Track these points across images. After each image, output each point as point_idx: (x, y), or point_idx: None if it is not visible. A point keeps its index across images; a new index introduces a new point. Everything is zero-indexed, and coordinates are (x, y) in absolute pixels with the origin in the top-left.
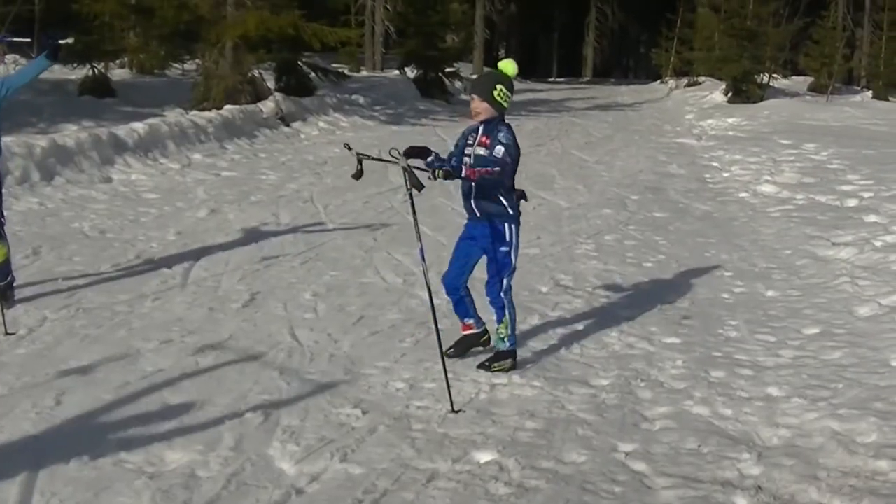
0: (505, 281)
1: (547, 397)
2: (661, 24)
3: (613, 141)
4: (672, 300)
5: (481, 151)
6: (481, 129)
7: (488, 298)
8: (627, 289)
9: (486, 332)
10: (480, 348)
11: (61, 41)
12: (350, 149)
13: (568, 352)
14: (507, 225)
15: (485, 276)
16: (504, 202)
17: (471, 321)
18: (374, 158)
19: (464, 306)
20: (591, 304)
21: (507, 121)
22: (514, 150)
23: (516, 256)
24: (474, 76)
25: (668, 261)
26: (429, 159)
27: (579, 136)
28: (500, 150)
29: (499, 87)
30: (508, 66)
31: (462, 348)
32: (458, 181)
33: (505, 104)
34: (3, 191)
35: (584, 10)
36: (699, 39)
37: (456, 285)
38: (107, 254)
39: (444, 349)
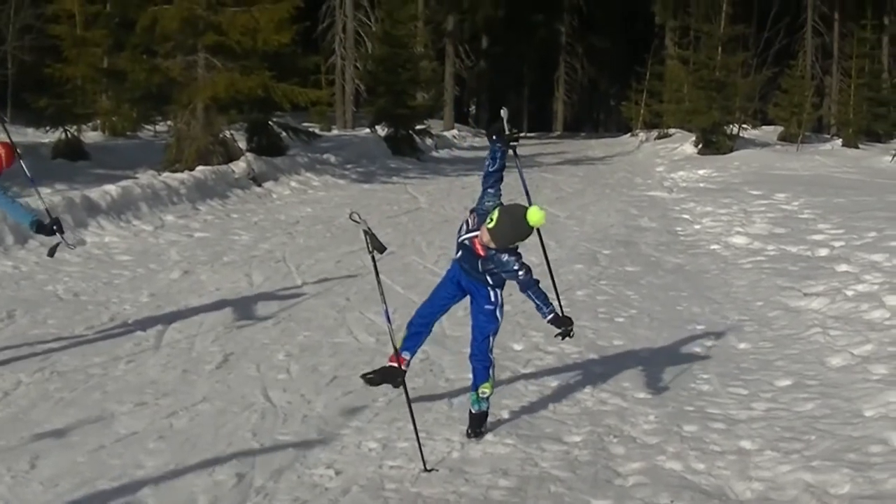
0: (490, 338)
1: (520, 455)
2: (631, 77)
3: (584, 195)
4: (644, 355)
5: (469, 245)
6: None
7: (471, 354)
8: (600, 344)
9: (405, 374)
10: (446, 407)
11: (56, 233)
12: (358, 221)
13: (541, 409)
14: (488, 288)
15: (457, 334)
16: (487, 277)
17: (408, 357)
18: (371, 234)
19: (416, 342)
20: (564, 360)
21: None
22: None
23: (502, 315)
24: (502, 212)
25: (641, 315)
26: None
27: (550, 192)
28: (509, 259)
29: (517, 242)
30: (539, 218)
31: (382, 378)
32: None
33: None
34: None
35: (553, 65)
36: (668, 91)
37: (427, 321)
38: (80, 316)
39: (366, 375)
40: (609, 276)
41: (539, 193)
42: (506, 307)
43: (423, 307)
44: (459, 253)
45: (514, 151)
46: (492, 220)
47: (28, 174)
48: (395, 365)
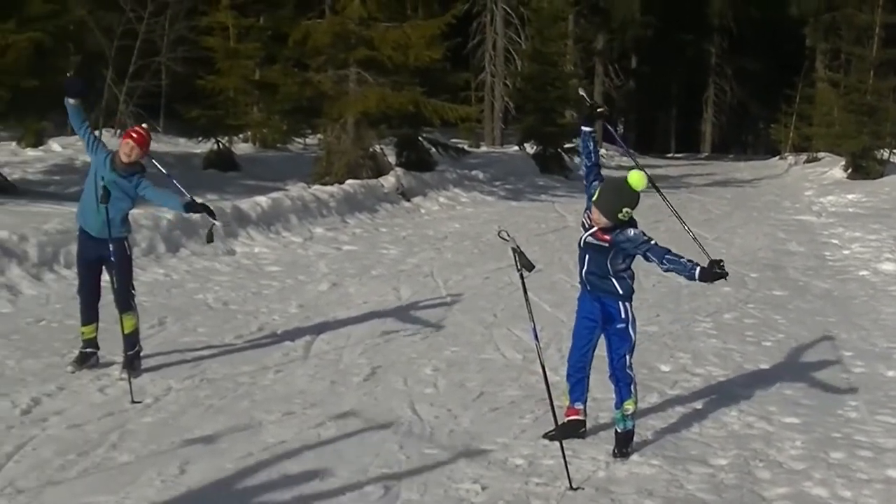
0: (627, 357)
1: (665, 476)
2: (780, 100)
3: (732, 218)
4: (791, 380)
5: (593, 241)
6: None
7: (610, 374)
8: (747, 368)
9: (585, 423)
10: (592, 426)
11: (210, 216)
12: (506, 238)
13: (686, 430)
14: (619, 303)
15: (601, 353)
16: (615, 284)
17: (581, 406)
18: (519, 252)
19: (581, 389)
20: (710, 382)
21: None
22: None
23: (635, 332)
24: (603, 185)
25: (788, 340)
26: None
27: (698, 213)
28: (636, 233)
29: (624, 209)
30: (638, 179)
31: (563, 434)
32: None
33: (626, 220)
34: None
35: (702, 86)
36: (818, 115)
37: (581, 364)
38: (230, 325)
39: (548, 434)
40: (757, 300)
41: (687, 215)
42: (653, 328)
43: (571, 356)
44: (585, 262)
45: (608, 125)
46: (596, 195)
47: (164, 171)
48: (573, 418)
